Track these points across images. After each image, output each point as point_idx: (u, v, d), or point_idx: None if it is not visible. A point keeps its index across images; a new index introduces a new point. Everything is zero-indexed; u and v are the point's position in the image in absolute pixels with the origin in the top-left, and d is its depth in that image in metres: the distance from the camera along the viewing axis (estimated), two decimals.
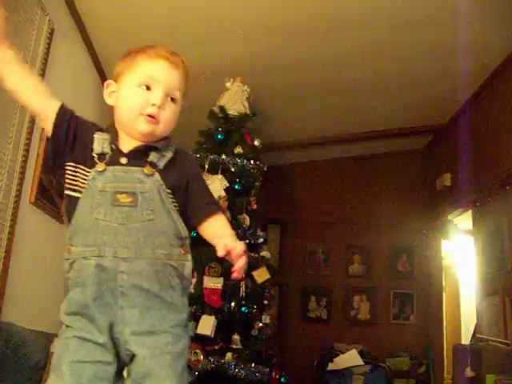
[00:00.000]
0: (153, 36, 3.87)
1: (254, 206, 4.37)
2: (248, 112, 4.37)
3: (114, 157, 1.52)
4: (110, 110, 1.62)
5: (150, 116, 1.52)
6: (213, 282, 3.85)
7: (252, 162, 4.20)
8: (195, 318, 3.78)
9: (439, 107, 5.50)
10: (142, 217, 1.48)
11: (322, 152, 6.44)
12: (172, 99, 1.57)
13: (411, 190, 6.57)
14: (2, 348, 2.08)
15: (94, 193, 1.49)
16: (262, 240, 4.24)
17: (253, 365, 3.83)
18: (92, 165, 1.51)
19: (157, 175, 1.52)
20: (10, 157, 2.82)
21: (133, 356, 1.44)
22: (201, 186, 1.63)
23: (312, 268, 6.55)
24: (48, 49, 3.18)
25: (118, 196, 1.48)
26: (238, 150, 4.16)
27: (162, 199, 1.51)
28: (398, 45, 4.33)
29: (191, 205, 1.57)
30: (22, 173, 2.97)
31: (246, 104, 4.35)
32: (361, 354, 5.60)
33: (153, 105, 1.53)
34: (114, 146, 1.53)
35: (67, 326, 1.46)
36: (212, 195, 1.65)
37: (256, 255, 4.15)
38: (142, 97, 1.54)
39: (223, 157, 4.02)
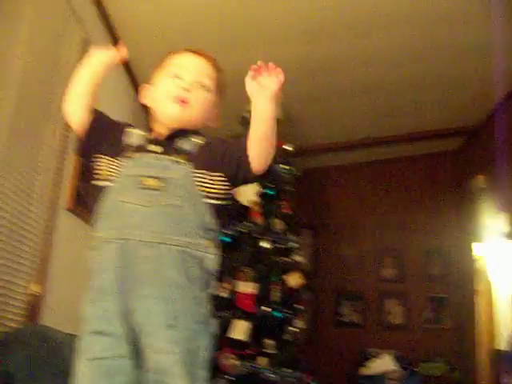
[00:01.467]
0: (184, 41, 3.89)
1: (287, 211, 4.37)
2: (279, 117, 4.37)
3: (146, 146, 1.57)
4: (145, 112, 1.75)
5: (180, 100, 1.59)
6: (246, 287, 3.85)
7: (284, 166, 4.21)
8: (228, 323, 3.79)
9: (473, 108, 5.43)
10: (170, 202, 1.47)
11: (353, 155, 6.41)
12: (203, 86, 1.63)
13: (444, 192, 6.50)
14: (39, 350, 2.10)
15: (123, 179, 1.51)
16: (295, 244, 4.23)
17: (285, 369, 3.83)
18: (123, 155, 1.55)
19: (188, 164, 1.52)
20: (46, 164, 2.86)
21: (148, 348, 1.40)
22: (231, 144, 1.64)
23: (345, 272, 6.51)
24: (81, 58, 3.22)
25: (146, 179, 1.49)
26: None
27: (192, 188, 1.50)
28: (430, 45, 4.29)
29: (231, 159, 1.57)
30: (58, 180, 3.01)
31: (277, 109, 4.35)
32: (395, 359, 5.54)
33: (182, 88, 1.59)
34: (147, 137, 1.59)
35: (84, 317, 1.45)
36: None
37: (289, 260, 4.14)
38: (172, 84, 1.62)
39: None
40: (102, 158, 1.58)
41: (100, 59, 1.64)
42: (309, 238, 6.47)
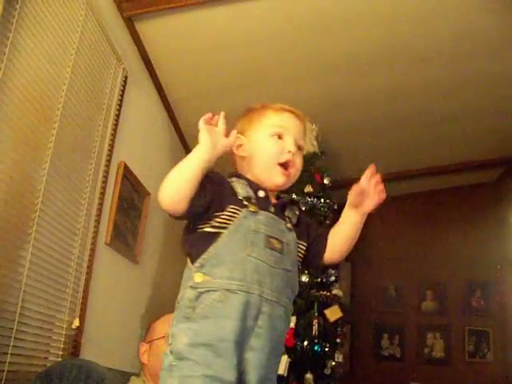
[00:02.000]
0: (219, 79, 3.97)
1: None
2: (317, 151, 4.40)
3: (262, 202, 1.58)
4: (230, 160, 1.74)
5: (283, 167, 1.62)
6: None
7: (322, 200, 4.21)
8: None
9: (510, 137, 5.37)
10: (286, 266, 1.54)
11: (390, 188, 6.35)
12: (300, 149, 1.68)
13: (483, 223, 6.40)
14: None
15: (247, 231, 1.51)
16: (333, 278, 4.21)
17: None
18: (241, 205, 1.55)
19: (293, 231, 1.61)
20: (88, 200, 2.92)
21: None
22: (317, 228, 1.75)
23: (384, 305, 6.44)
24: (122, 95, 3.31)
25: (271, 240, 1.53)
26: (308, 188, 4.17)
27: (295, 255, 1.61)
28: (463, 76, 4.28)
29: (313, 243, 1.68)
30: (99, 215, 3.07)
31: (315, 143, 4.39)
32: None
33: (288, 152, 1.62)
34: (260, 193, 1.60)
35: (187, 359, 1.39)
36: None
37: (328, 293, 4.12)
38: (277, 145, 1.64)
39: (294, 196, 4.04)
40: (216, 210, 1.54)
41: (213, 153, 1.53)
42: (347, 271, 6.43)
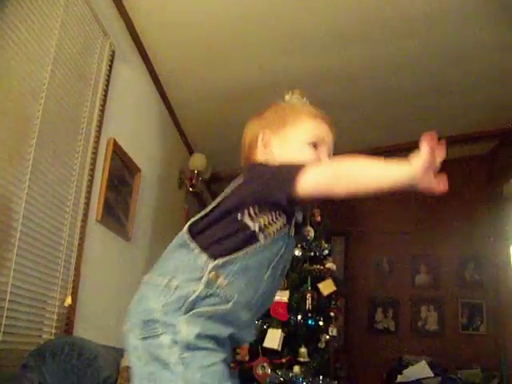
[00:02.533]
0: (207, 52, 3.92)
1: (318, 218, 4.35)
2: None
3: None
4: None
5: None
6: (279, 295, 3.83)
7: None
8: (262, 332, 3.78)
9: (505, 109, 5.34)
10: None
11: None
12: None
13: (477, 196, 6.40)
14: (76, 362, 2.12)
15: (275, 253, 1.42)
16: (327, 252, 4.21)
17: (320, 378, 3.80)
18: (289, 224, 1.45)
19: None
20: (77, 176, 2.89)
21: None
22: None
23: (378, 279, 6.46)
24: (110, 71, 3.26)
25: (280, 269, 1.46)
26: None
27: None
28: (460, 46, 4.24)
29: None
30: (89, 192, 3.04)
31: None
32: (430, 365, 5.45)
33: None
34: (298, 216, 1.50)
35: (201, 349, 1.30)
36: None
37: (321, 267, 4.12)
38: (313, 155, 1.52)
39: None
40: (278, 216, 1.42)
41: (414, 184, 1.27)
42: (341, 245, 6.44)
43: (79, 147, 2.92)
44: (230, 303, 1.35)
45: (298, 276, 3.96)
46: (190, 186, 5.18)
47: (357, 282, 6.36)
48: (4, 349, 2.17)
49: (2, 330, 2.16)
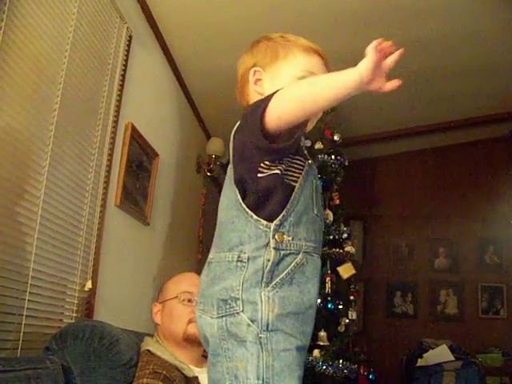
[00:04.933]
0: (224, 36, 3.90)
1: (337, 202, 4.34)
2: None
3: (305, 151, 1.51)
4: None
5: None
6: None
7: (332, 156, 4.18)
8: None
9: None
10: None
11: (403, 144, 6.32)
12: None
13: (495, 179, 6.34)
14: (97, 346, 2.14)
15: (311, 187, 1.43)
16: (345, 235, 4.20)
17: (340, 361, 3.80)
18: (304, 156, 1.46)
19: None
20: (96, 162, 2.89)
21: None
22: None
23: (396, 263, 6.44)
24: (127, 55, 3.25)
25: (321, 199, 1.47)
26: (319, 145, 4.14)
27: None
28: (476, 30, 4.18)
29: None
30: (107, 177, 3.05)
31: None
32: (451, 349, 5.43)
33: None
34: (306, 142, 1.53)
35: (278, 331, 1.30)
36: None
37: (340, 251, 4.12)
38: None
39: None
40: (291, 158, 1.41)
41: (362, 88, 1.27)
42: (359, 230, 6.42)
43: (98, 132, 2.92)
44: (301, 253, 1.36)
45: None
46: (208, 171, 5.17)
47: (375, 266, 6.35)
48: (27, 332, 2.19)
49: (25, 313, 2.18)
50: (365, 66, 1.21)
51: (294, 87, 1.34)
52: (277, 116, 1.29)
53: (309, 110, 1.29)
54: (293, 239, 1.35)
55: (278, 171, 1.36)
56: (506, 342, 5.78)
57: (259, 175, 1.36)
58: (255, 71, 1.56)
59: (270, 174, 1.35)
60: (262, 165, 1.36)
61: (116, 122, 3.14)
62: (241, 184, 1.39)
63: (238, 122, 1.45)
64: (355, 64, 1.25)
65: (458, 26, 4.10)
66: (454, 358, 5.34)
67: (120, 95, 3.17)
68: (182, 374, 2.24)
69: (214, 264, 1.41)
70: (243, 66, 1.62)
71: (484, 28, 4.17)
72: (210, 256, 1.44)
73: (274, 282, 1.32)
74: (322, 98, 1.27)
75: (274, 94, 1.32)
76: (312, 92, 1.28)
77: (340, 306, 3.98)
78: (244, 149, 1.39)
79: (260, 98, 1.47)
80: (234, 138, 1.44)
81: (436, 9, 3.87)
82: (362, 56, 1.23)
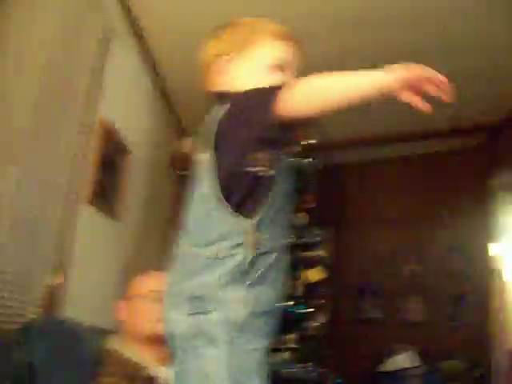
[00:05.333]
0: (204, 32, 3.86)
1: (312, 205, 4.35)
2: None
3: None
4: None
5: None
6: None
7: (309, 159, 4.18)
8: None
9: (494, 103, 5.32)
10: None
11: (376, 151, 6.36)
12: None
13: (467, 189, 6.40)
14: (66, 342, 2.12)
15: (288, 188, 1.41)
16: (318, 239, 4.21)
17: (308, 365, 3.80)
18: (285, 155, 1.42)
19: None
20: (67, 158, 2.86)
21: None
22: None
23: (367, 268, 6.47)
24: (104, 52, 3.22)
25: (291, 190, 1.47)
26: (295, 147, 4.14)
27: None
28: (449, 40, 4.20)
29: None
30: (79, 173, 3.01)
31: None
32: (416, 355, 5.46)
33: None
34: None
35: (249, 331, 1.28)
36: None
37: (312, 254, 4.12)
38: (276, 78, 1.43)
39: None
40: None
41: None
42: (330, 234, 6.43)
43: (69, 128, 2.88)
44: (275, 252, 1.35)
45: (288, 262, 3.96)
46: (181, 169, 5.14)
47: (346, 270, 6.36)
48: None
49: None
50: (399, 75, 1.25)
51: (317, 81, 1.26)
52: (298, 105, 1.25)
53: (334, 105, 1.26)
54: (269, 238, 1.33)
55: (263, 168, 1.31)
56: (472, 349, 5.83)
57: (246, 169, 1.31)
58: (223, 59, 1.50)
59: (255, 170, 1.31)
60: (250, 158, 1.30)
61: (88, 118, 3.10)
62: (223, 177, 1.33)
63: (226, 110, 1.38)
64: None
65: (433, 37, 4.12)
66: (418, 364, 5.39)
67: (95, 91, 3.13)
68: (146, 372, 2.21)
69: (187, 258, 1.38)
70: (207, 57, 1.55)
71: (483, 35, 4.17)
72: (183, 250, 1.41)
73: (249, 281, 1.29)
74: (349, 95, 1.25)
75: (274, 86, 1.30)
76: (337, 87, 1.25)
77: (309, 309, 3.99)
78: (235, 139, 1.33)
79: (227, 86, 1.45)
80: (219, 126, 1.37)
81: (420, 17, 3.88)
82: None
